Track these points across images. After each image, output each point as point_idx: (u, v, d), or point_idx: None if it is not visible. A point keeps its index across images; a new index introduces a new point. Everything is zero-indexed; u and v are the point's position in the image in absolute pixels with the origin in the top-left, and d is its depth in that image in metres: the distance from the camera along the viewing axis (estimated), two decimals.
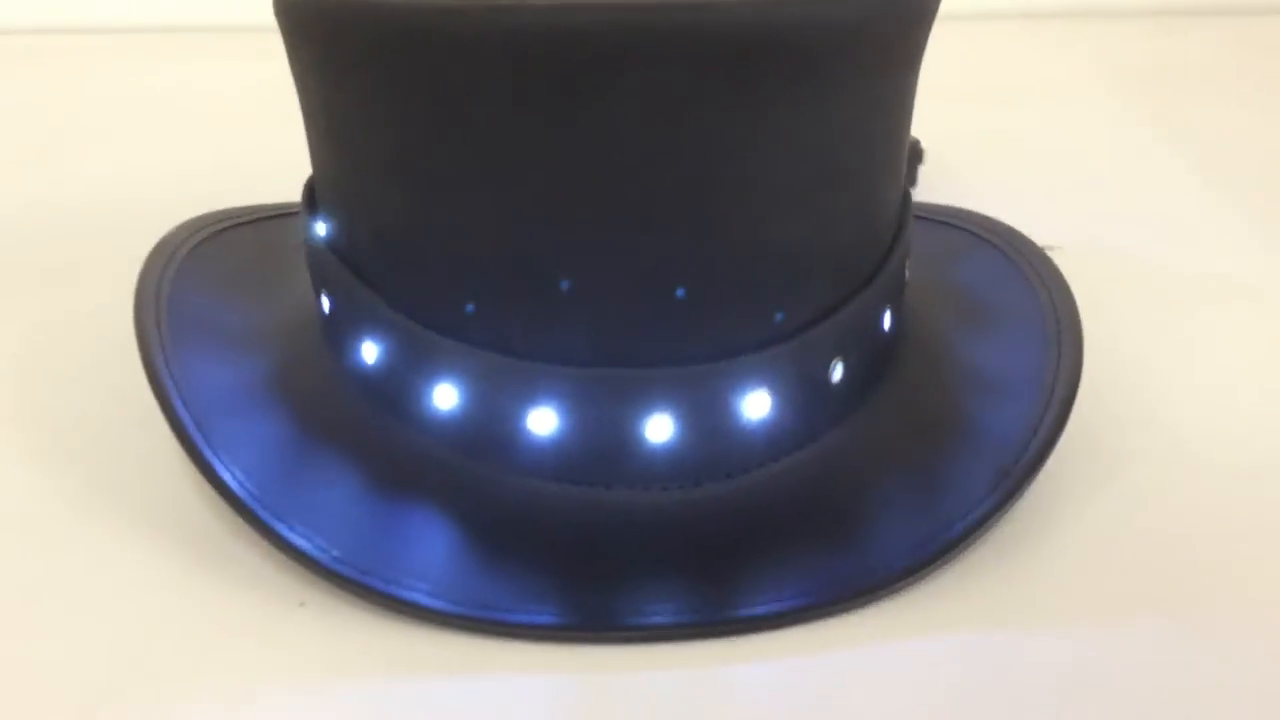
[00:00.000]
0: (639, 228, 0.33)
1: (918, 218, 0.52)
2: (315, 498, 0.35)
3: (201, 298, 0.43)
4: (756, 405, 0.35)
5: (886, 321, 0.38)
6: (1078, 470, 0.39)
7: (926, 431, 0.38)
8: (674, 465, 0.35)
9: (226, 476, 0.35)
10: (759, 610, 0.33)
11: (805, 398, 0.36)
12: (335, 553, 0.33)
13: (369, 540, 0.34)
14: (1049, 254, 0.46)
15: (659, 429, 0.34)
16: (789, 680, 0.31)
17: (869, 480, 0.37)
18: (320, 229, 0.38)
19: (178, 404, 0.37)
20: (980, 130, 0.75)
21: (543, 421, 0.34)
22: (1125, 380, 0.44)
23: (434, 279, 0.35)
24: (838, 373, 0.36)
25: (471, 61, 0.31)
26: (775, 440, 0.36)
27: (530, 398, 0.34)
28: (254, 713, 0.29)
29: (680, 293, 0.33)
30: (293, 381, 0.39)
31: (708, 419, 0.35)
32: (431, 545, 0.35)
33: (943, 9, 0.36)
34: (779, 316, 0.35)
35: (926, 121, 0.75)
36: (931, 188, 0.64)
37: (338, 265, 0.37)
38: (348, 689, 0.30)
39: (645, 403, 0.34)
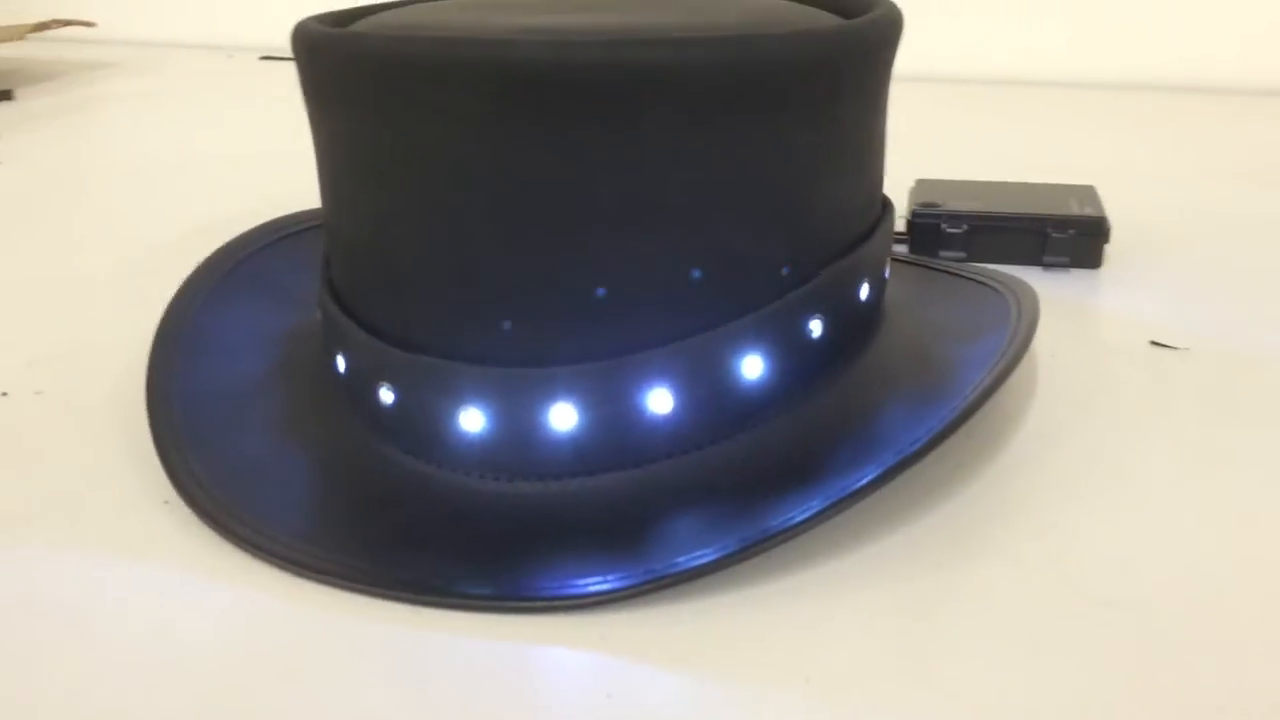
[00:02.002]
0: (448, 234, 0.37)
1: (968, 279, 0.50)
2: (224, 435, 0.42)
3: (282, 263, 0.52)
4: (562, 418, 0.37)
5: (750, 369, 0.38)
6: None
7: (770, 471, 0.38)
8: (487, 458, 0.38)
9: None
10: (556, 592, 0.35)
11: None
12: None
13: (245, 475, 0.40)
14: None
15: (471, 421, 0.37)
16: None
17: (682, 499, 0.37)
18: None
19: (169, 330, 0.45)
20: (1247, 214, 0.66)
21: (386, 395, 0.39)
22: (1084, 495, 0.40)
23: (347, 272, 0.41)
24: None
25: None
26: (586, 455, 0.37)
27: (378, 371, 0.39)
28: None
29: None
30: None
31: (517, 422, 0.37)
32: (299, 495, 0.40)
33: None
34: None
35: (1174, 199, 0.68)
36: (1120, 266, 0.58)
37: (323, 274, 0.43)
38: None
39: (459, 395, 0.37)
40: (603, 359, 0.37)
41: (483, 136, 0.35)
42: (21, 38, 1.05)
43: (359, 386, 0.40)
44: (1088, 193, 0.61)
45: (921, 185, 0.63)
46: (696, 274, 0.37)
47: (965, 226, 0.59)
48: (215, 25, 1.24)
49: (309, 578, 0.36)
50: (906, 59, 0.46)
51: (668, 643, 0.33)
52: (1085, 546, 0.37)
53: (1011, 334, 0.43)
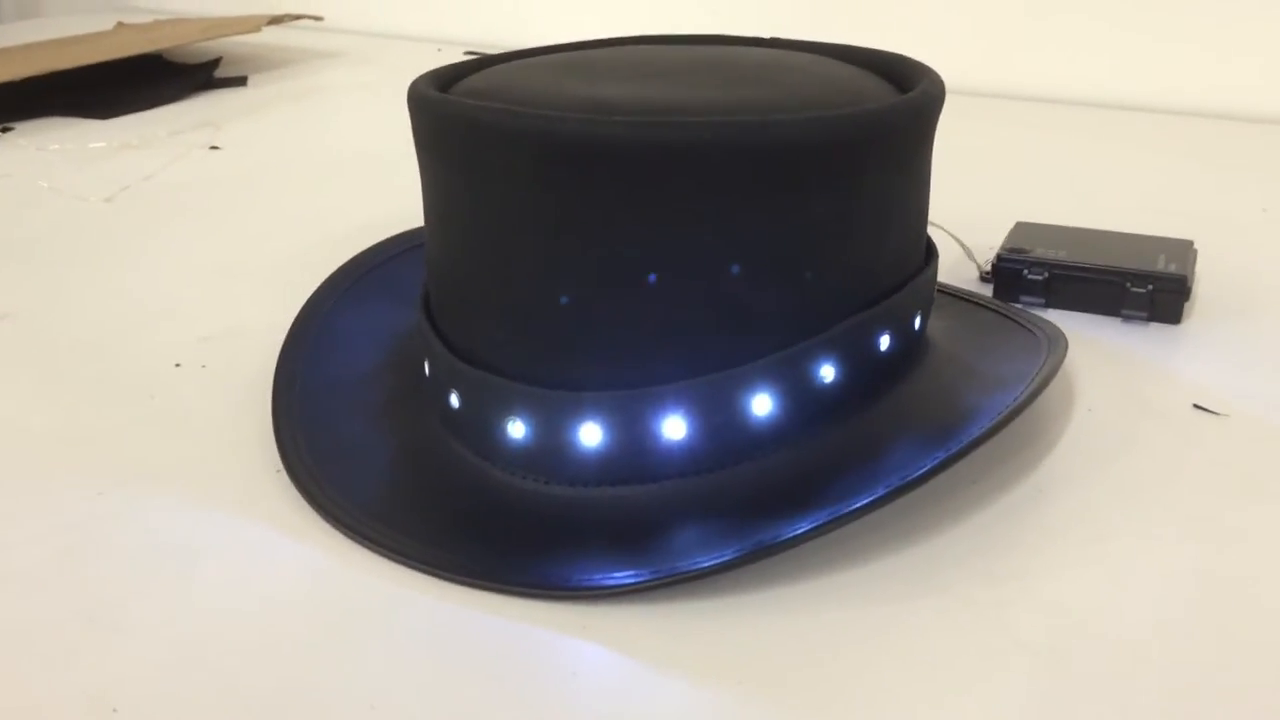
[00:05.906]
0: (500, 274, 0.44)
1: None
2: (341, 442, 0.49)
3: (412, 270, 0.60)
4: (590, 435, 0.43)
5: (759, 407, 0.44)
6: None
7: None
8: (529, 462, 0.45)
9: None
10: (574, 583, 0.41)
11: None
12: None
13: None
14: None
15: (516, 429, 0.44)
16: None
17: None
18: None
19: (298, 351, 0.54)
20: None
21: (454, 399, 0.46)
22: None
23: (433, 290, 0.49)
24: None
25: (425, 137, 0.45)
26: (609, 468, 0.44)
27: (449, 378, 0.46)
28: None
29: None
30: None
31: (552, 435, 0.44)
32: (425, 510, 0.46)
33: None
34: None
35: None
36: (1205, 323, 0.60)
37: (422, 288, 0.51)
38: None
39: (507, 407, 0.44)
40: (626, 389, 0.43)
41: (530, 192, 0.42)
42: (258, 29, 1.19)
43: (436, 389, 0.48)
44: (1181, 247, 0.63)
45: (1018, 229, 0.66)
46: (712, 322, 0.43)
47: (1045, 274, 0.61)
48: (428, 18, 1.35)
49: (370, 548, 0.44)
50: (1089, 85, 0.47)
51: (635, 635, 0.39)
52: (1031, 596, 0.40)
53: (1027, 387, 0.46)
